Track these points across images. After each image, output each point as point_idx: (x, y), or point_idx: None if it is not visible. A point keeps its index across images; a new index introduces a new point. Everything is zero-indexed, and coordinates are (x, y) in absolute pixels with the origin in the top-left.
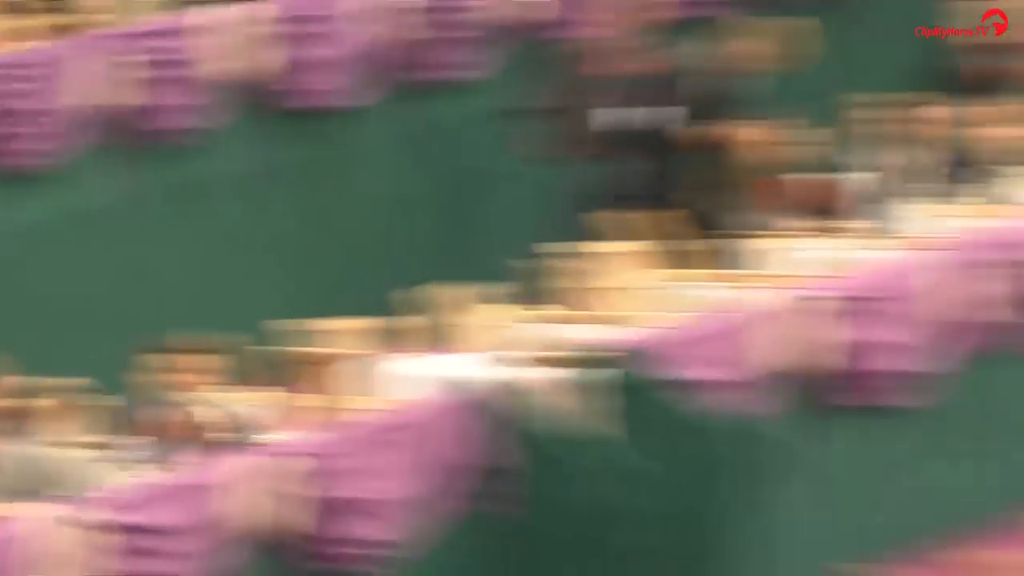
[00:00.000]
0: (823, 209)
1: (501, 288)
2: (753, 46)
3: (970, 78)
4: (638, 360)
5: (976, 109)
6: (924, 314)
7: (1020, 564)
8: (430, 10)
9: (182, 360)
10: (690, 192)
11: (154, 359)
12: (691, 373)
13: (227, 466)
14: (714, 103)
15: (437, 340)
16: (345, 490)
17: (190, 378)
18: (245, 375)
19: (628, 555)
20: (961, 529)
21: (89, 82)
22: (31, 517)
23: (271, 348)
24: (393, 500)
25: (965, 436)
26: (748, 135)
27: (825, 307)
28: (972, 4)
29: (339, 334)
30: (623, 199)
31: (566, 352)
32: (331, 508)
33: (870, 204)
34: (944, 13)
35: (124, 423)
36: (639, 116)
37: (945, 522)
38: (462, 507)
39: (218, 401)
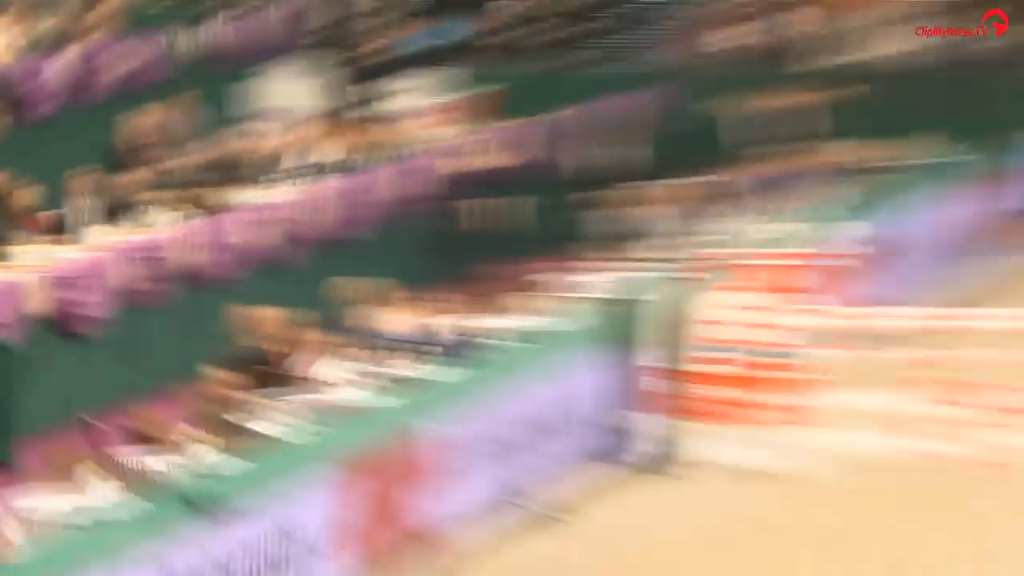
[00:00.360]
0: (57, 230)
1: None
2: None
3: (131, 158)
4: None
5: (129, 177)
6: (104, 284)
7: (162, 420)
8: None
9: None
10: None
11: None
12: None
13: None
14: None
15: None
16: None
17: None
18: None
19: None
20: (131, 399)
21: None
22: None
23: None
24: None
25: (121, 352)
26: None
27: (52, 279)
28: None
29: None
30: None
31: None
32: None
33: (76, 228)
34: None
35: None
36: None
37: (121, 396)
38: None
39: None
